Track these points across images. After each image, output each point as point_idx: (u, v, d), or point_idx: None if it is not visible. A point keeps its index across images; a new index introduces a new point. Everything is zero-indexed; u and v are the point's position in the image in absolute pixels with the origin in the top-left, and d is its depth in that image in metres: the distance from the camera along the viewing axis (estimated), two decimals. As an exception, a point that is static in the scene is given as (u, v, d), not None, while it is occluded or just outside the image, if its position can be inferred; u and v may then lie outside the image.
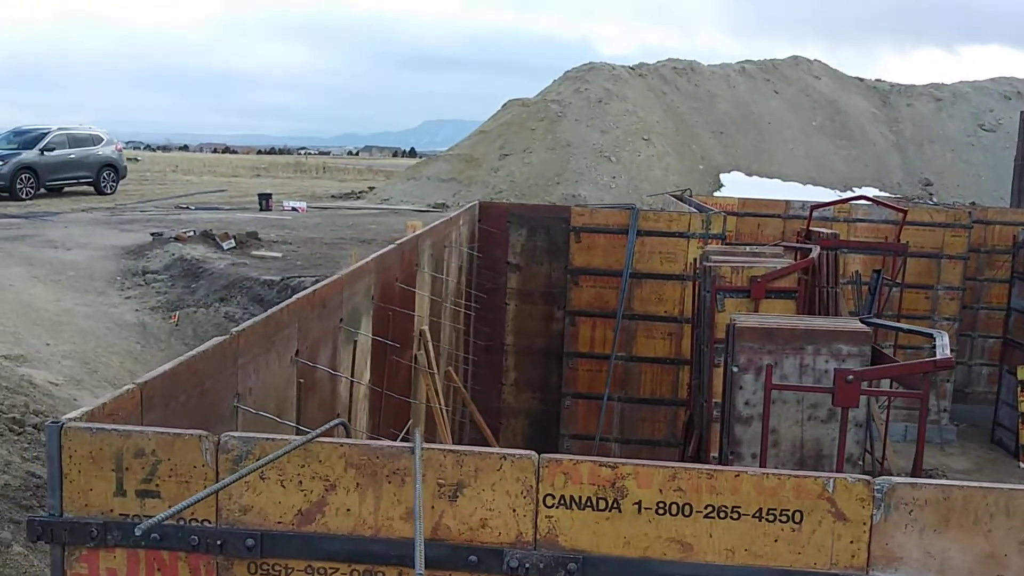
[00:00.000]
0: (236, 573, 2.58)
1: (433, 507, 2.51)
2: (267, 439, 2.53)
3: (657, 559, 2.47)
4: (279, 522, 2.55)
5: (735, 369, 5.97)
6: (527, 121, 26.94)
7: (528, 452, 2.49)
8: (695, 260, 10.89)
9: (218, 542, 2.55)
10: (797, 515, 2.43)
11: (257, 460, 2.52)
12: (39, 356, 11.79)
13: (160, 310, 14.58)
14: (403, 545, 2.52)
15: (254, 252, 16.55)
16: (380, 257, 6.41)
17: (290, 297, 14.36)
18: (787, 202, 15.53)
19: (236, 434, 2.53)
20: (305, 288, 14.24)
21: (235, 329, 3.78)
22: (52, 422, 2.56)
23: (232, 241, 16.78)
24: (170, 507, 2.55)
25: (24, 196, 23.94)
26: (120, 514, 2.57)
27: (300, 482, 2.53)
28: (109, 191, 26.89)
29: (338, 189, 31.81)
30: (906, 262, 13.02)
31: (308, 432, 2.59)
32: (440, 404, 8.02)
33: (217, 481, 2.53)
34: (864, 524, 2.41)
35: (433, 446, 2.49)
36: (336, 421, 2.60)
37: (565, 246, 11.81)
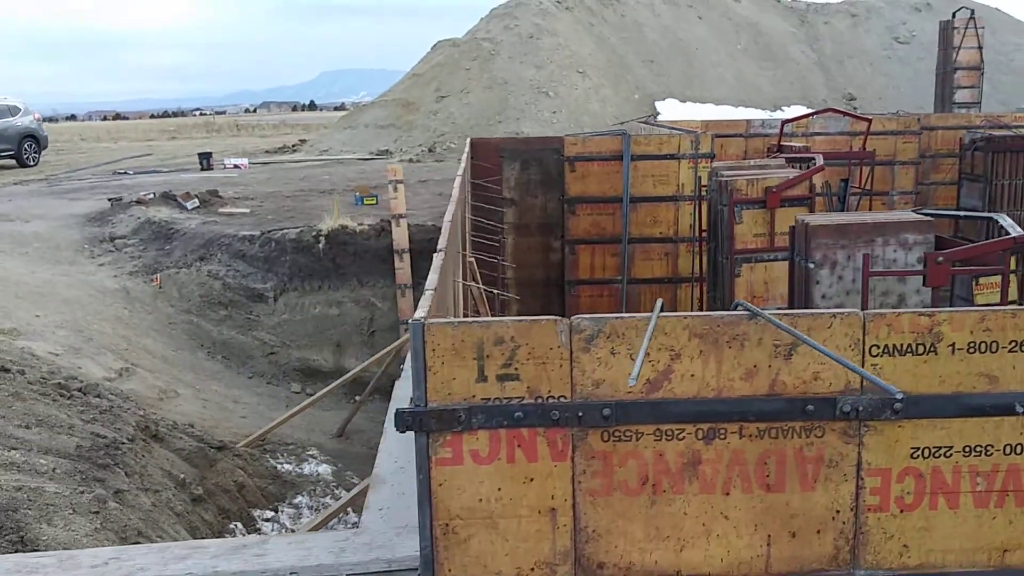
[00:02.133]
0: (590, 442, 2.82)
1: (770, 366, 2.79)
2: (615, 318, 2.76)
3: (967, 392, 2.82)
4: (629, 392, 2.79)
5: (811, 265, 6.36)
6: (460, 61, 26.83)
7: (854, 310, 2.79)
8: (698, 179, 11.29)
9: (578, 414, 2.78)
10: (1086, 342, 2.79)
11: (607, 338, 2.76)
12: (31, 329, 11.55)
13: (139, 274, 14.32)
14: (744, 403, 2.81)
15: (221, 210, 16.29)
16: (457, 190, 6.58)
17: (272, 248, 14.08)
18: (747, 121, 16.04)
19: (587, 316, 2.75)
20: (289, 239, 14.09)
21: (439, 248, 3.97)
22: (415, 320, 2.74)
23: (195, 200, 16.48)
24: (528, 388, 2.78)
25: (-55, 173, 22.90)
26: (482, 399, 2.78)
27: (648, 354, 2.77)
28: (32, 163, 25.85)
29: (268, 145, 31.19)
30: (873, 170, 13.67)
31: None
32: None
33: (571, 359, 2.76)
34: None
35: (770, 311, 2.76)
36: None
37: (559, 177, 12.06)
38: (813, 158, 10.00)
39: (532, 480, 2.84)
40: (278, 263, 13.98)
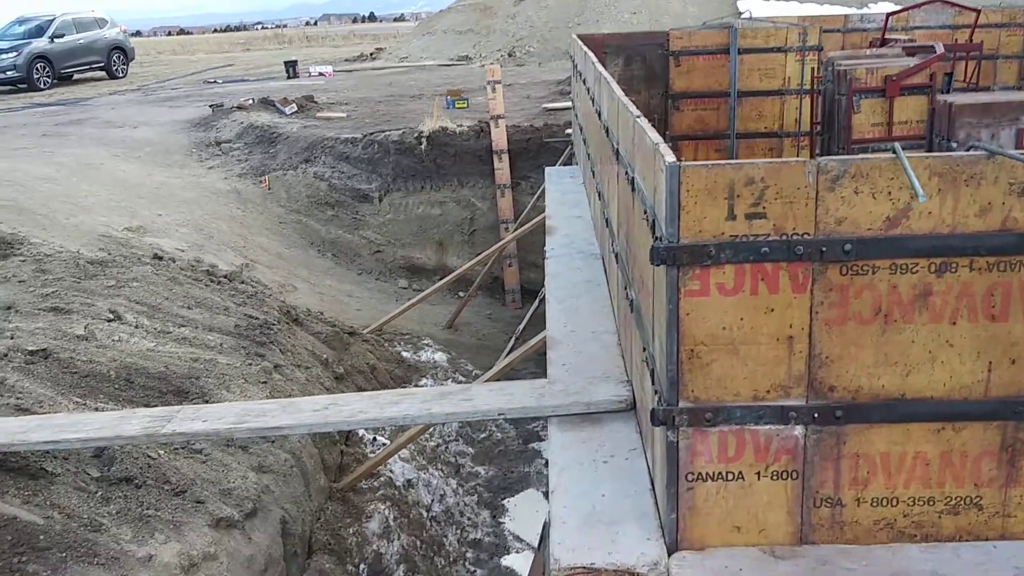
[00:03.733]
0: (829, 276, 3.07)
1: (1003, 203, 2.99)
2: (861, 159, 2.98)
3: None
4: (868, 229, 3.02)
5: (954, 145, 6.45)
6: (538, -36, 26.51)
7: (1086, 148, 2.97)
8: (811, 71, 11.24)
9: (820, 250, 3.03)
10: None
11: (852, 178, 2.98)
12: (155, 226, 12.08)
13: (247, 176, 14.80)
14: (976, 238, 3.02)
15: (318, 115, 16.61)
16: (605, 71, 6.75)
17: (375, 150, 14.26)
18: (845, 16, 15.73)
19: (834, 157, 2.97)
20: (392, 140, 14.27)
21: (636, 115, 4.19)
22: (671, 163, 2.99)
23: (293, 106, 16.82)
24: (774, 226, 3.02)
25: (42, 86, 23.51)
26: (730, 236, 3.03)
27: (889, 193, 2.99)
28: (121, 74, 26.38)
29: (344, 54, 31.34)
30: (980, 63, 13.36)
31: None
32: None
33: (816, 199, 3.00)
34: None
35: (1006, 152, 2.95)
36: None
37: (663, 72, 12.05)
38: (932, 46, 9.88)
39: (772, 311, 3.11)
40: (381, 164, 14.31)
